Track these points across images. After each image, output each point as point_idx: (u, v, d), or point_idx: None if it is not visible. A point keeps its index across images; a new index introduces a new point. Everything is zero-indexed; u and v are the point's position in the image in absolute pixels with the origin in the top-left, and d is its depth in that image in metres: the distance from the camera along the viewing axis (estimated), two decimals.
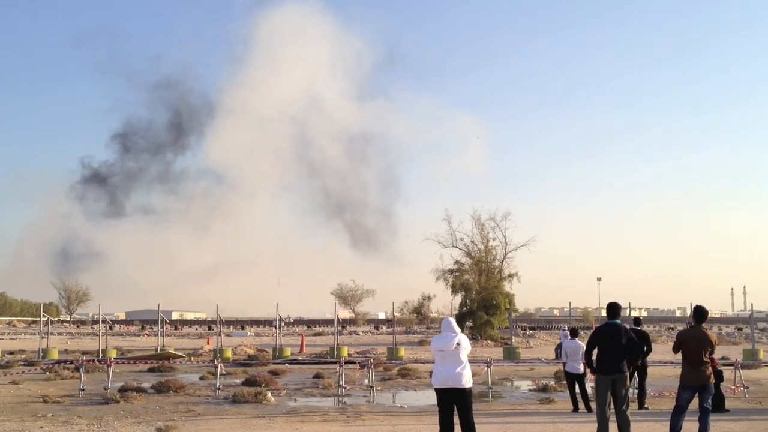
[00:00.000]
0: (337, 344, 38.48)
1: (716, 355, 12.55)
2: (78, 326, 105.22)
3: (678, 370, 11.34)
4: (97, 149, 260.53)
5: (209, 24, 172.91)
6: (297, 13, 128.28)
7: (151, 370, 26.67)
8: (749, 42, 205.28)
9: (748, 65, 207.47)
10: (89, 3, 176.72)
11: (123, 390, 18.77)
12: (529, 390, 20.95)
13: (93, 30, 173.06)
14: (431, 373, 10.33)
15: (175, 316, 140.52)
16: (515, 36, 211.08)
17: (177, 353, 33.04)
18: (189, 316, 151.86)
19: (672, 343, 11.63)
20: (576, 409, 15.38)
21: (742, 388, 18.69)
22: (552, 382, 21.10)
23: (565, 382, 16.91)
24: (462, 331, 10.17)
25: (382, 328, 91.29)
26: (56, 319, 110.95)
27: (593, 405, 12.74)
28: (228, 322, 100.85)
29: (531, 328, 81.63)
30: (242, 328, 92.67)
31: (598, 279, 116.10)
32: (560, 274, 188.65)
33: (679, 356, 11.03)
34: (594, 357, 10.81)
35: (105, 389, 18.79)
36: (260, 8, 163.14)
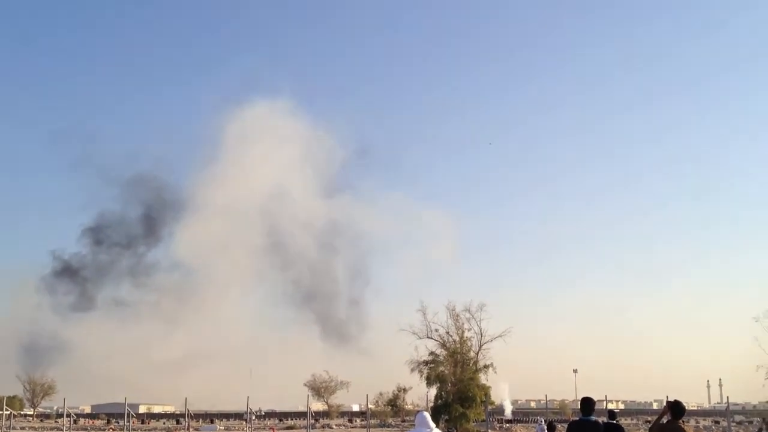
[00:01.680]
0: None
1: None
2: (41, 420, 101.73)
3: None
4: (68, 242, 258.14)
5: (182, 121, 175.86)
6: (267, 111, 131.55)
7: None
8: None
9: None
10: (63, 102, 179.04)
11: None
12: None
13: (67, 128, 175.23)
14: None
15: (142, 409, 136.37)
16: (483, 129, 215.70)
17: None
18: (157, 409, 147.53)
19: None
20: None
21: None
22: None
23: None
24: (437, 426, 10.05)
25: (356, 420, 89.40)
26: (19, 412, 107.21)
27: None
28: (197, 416, 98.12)
29: (507, 421, 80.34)
30: (212, 421, 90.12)
31: (575, 371, 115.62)
32: (537, 365, 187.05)
33: None
34: None
35: None
36: (232, 106, 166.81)
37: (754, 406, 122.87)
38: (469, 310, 61.52)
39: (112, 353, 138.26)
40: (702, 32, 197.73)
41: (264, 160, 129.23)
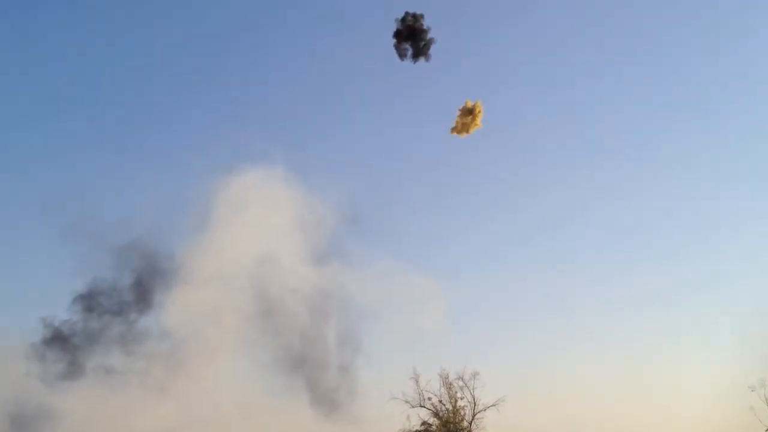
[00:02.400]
0: None
1: None
2: None
3: None
4: (59, 309, 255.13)
5: (174, 188, 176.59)
6: (258, 178, 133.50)
7: None
8: None
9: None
10: (55, 171, 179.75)
11: None
12: None
13: (59, 196, 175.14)
14: None
15: None
16: (474, 198, 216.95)
17: None
18: None
19: None
20: None
21: None
22: None
23: None
24: None
25: None
26: None
27: None
28: None
29: None
30: None
31: None
32: None
33: None
34: None
35: None
36: (224, 173, 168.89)
37: None
38: (462, 378, 61.38)
39: (101, 422, 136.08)
40: None
41: (255, 226, 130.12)
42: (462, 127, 51.61)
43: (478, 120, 50.32)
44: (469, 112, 49.76)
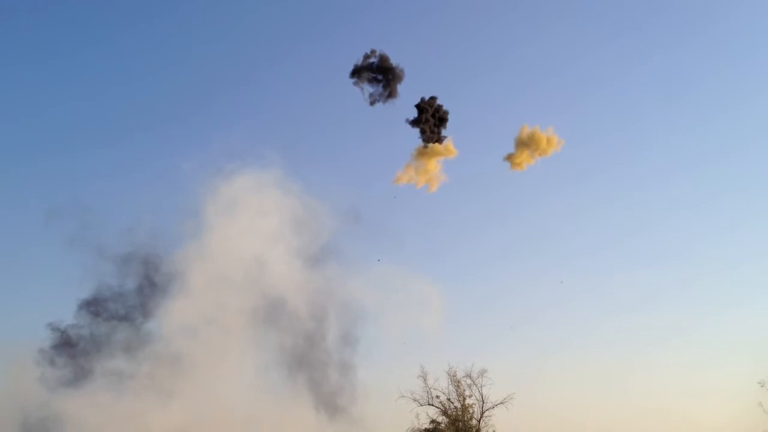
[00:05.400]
0: None
1: None
2: None
3: None
4: (66, 315, 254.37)
5: (173, 191, 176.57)
6: (256, 180, 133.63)
7: None
8: None
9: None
10: (59, 177, 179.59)
11: None
12: None
13: (63, 204, 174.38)
14: None
15: None
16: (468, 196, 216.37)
17: None
18: None
19: None
20: None
21: None
22: None
23: None
24: None
25: None
26: None
27: None
28: None
29: None
30: None
31: None
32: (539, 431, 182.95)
33: None
34: None
35: None
36: (221, 176, 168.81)
37: None
38: (470, 376, 61.16)
39: (110, 427, 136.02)
40: None
41: (253, 229, 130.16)
42: (422, 174, 48.73)
43: (436, 162, 47.30)
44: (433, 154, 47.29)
